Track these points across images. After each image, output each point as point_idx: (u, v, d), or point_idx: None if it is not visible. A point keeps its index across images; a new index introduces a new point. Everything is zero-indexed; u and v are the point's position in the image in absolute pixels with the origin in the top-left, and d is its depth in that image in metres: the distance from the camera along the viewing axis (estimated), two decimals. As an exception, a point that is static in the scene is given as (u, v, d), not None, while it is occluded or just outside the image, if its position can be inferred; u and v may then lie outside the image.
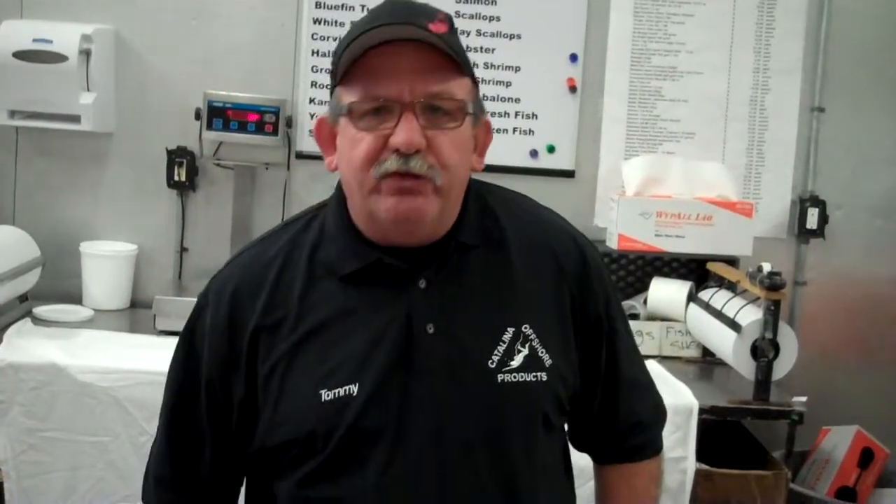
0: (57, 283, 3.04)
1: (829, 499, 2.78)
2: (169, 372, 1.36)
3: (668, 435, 2.50)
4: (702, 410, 2.55)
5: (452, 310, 1.26)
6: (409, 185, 1.20)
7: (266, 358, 1.26)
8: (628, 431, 1.44)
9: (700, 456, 2.54)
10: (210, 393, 1.30)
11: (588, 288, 1.35)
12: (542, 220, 1.39)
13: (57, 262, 3.05)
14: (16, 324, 2.76)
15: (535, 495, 1.30)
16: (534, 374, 1.27)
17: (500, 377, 1.26)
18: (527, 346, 1.28)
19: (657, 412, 1.49)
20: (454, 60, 1.22)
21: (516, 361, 1.27)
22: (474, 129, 1.28)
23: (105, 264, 3.02)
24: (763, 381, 2.58)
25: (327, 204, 1.34)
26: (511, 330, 1.28)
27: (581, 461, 1.50)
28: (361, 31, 1.20)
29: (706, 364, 2.91)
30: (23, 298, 2.95)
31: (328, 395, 1.23)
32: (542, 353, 1.29)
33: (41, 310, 2.86)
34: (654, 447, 1.48)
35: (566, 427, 1.42)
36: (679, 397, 2.57)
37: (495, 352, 1.26)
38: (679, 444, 2.52)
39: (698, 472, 2.52)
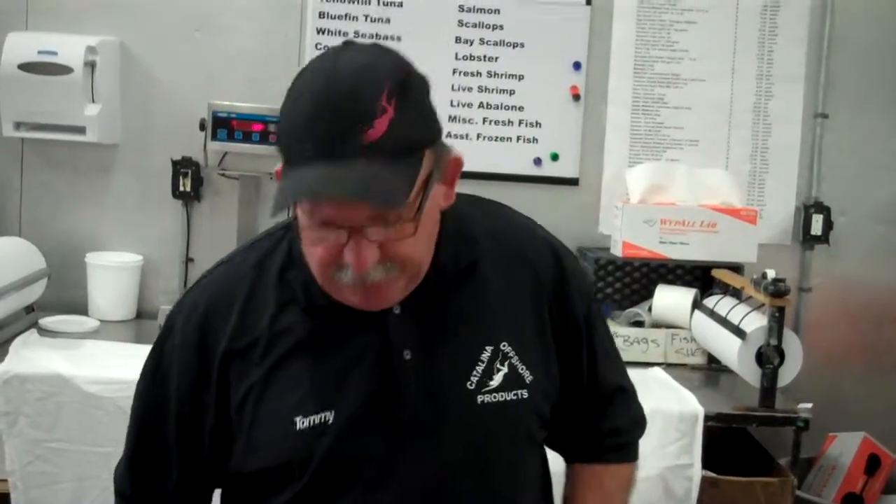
0: (63, 294, 3.05)
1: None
2: (136, 393, 1.33)
3: (674, 442, 2.51)
4: (707, 417, 2.54)
5: (429, 334, 1.24)
6: (373, 289, 1.16)
7: (238, 384, 1.23)
8: (605, 436, 1.44)
9: (706, 463, 2.53)
10: (179, 416, 1.27)
11: (565, 296, 1.34)
12: (518, 232, 1.36)
13: (63, 272, 3.06)
14: (22, 335, 2.77)
15: None
16: (514, 392, 1.26)
17: (480, 398, 1.24)
18: (506, 364, 1.26)
19: (636, 422, 1.48)
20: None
21: (496, 381, 1.25)
22: (440, 177, 1.19)
23: (111, 275, 3.03)
24: (768, 388, 2.57)
25: (291, 226, 1.27)
26: (489, 349, 1.26)
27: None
28: (293, 148, 1.13)
29: (711, 371, 2.90)
30: (29, 309, 2.96)
31: (303, 424, 1.20)
32: (522, 369, 1.27)
33: (47, 321, 2.87)
34: (628, 453, 1.47)
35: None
36: (684, 404, 2.57)
37: (474, 373, 1.24)
38: (685, 452, 2.52)
39: (704, 480, 2.52)
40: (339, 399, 1.20)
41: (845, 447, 2.88)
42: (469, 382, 1.24)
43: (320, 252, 1.15)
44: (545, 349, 1.31)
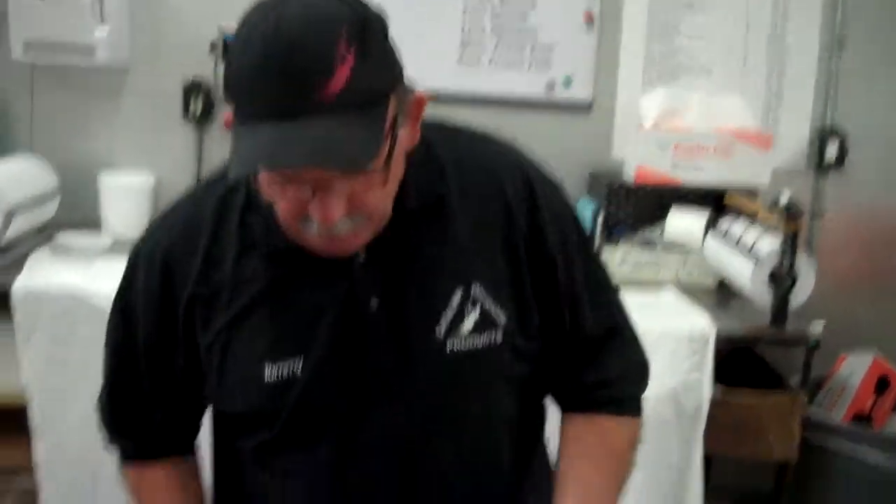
0: (75, 213, 3.05)
1: (845, 423, 2.79)
2: (107, 330, 1.30)
3: (685, 361, 2.53)
4: (718, 338, 2.55)
5: (396, 280, 1.18)
6: (339, 239, 1.11)
7: (204, 330, 1.20)
8: (593, 387, 1.31)
9: (717, 383, 2.55)
10: (150, 355, 1.25)
11: (538, 228, 1.24)
12: (490, 161, 1.26)
13: (75, 192, 3.06)
14: (36, 252, 2.78)
15: (499, 450, 1.27)
16: (487, 335, 1.20)
17: (449, 346, 1.18)
18: (477, 306, 1.19)
19: (632, 371, 1.34)
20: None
21: (467, 325, 1.19)
22: (404, 121, 1.11)
23: (123, 194, 3.02)
24: (780, 309, 2.58)
25: None
26: (459, 292, 1.19)
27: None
28: (244, 103, 1.03)
29: (723, 294, 2.90)
30: (42, 228, 2.96)
31: (271, 376, 1.17)
32: (494, 312, 1.20)
33: (61, 238, 2.86)
34: (621, 406, 1.32)
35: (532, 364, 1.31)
36: (695, 324, 2.58)
37: (443, 318, 1.18)
38: (695, 369, 2.53)
39: (714, 397, 2.54)
40: (305, 351, 1.17)
41: (855, 368, 2.89)
42: (438, 329, 1.18)
43: (283, 206, 1.09)
44: (520, 284, 1.23)
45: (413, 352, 1.18)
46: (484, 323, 1.20)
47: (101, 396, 1.35)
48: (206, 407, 1.32)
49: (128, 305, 1.25)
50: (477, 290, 1.20)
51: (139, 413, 1.31)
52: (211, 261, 1.20)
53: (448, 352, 1.19)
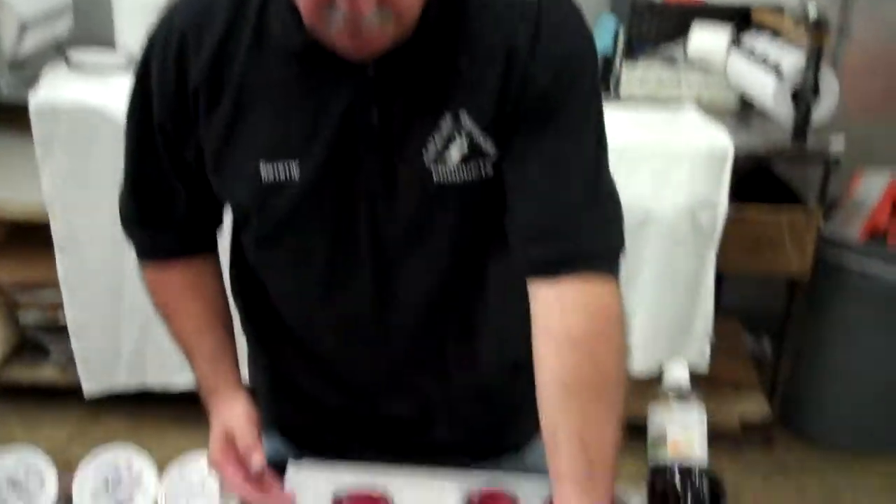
0: (89, 31, 3.01)
1: (859, 240, 2.80)
2: (126, 120, 1.28)
3: (702, 177, 2.53)
4: (738, 156, 2.53)
5: (397, 96, 1.15)
6: (365, 38, 1.06)
7: (207, 119, 1.19)
8: (549, 235, 1.16)
9: (733, 200, 2.56)
10: (167, 144, 1.25)
11: (533, 60, 1.14)
12: None
13: (89, 10, 3.01)
14: (51, 66, 2.77)
15: (475, 277, 1.27)
16: (476, 167, 1.17)
17: (436, 175, 1.16)
18: (464, 135, 1.15)
19: (606, 223, 1.18)
20: None
21: (454, 154, 1.16)
22: None
23: (137, 11, 2.97)
24: (801, 125, 2.54)
25: None
26: (448, 117, 1.15)
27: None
28: None
29: (745, 113, 2.87)
30: (56, 45, 2.94)
31: (267, 177, 1.18)
32: (485, 143, 1.16)
33: (76, 54, 2.84)
34: (585, 259, 1.15)
35: None
36: (715, 141, 2.56)
37: (430, 144, 1.15)
38: (713, 186, 2.54)
39: (730, 213, 2.55)
40: (301, 155, 1.16)
41: (872, 186, 2.86)
42: (425, 155, 1.16)
43: None
44: (505, 127, 1.16)
45: (400, 174, 1.17)
46: (473, 154, 1.17)
47: (121, 190, 1.35)
48: (223, 202, 1.33)
49: (144, 90, 1.24)
50: (466, 119, 1.15)
51: (158, 201, 1.32)
52: (223, 51, 1.17)
53: (435, 182, 1.17)
